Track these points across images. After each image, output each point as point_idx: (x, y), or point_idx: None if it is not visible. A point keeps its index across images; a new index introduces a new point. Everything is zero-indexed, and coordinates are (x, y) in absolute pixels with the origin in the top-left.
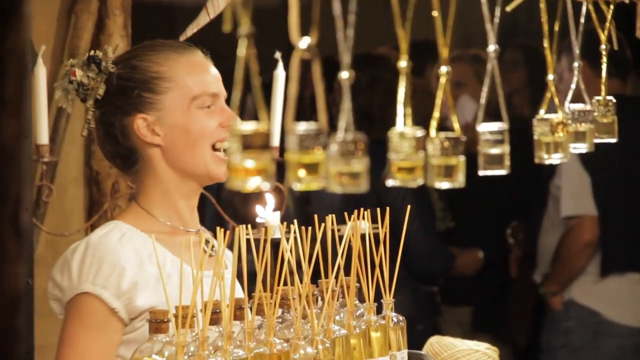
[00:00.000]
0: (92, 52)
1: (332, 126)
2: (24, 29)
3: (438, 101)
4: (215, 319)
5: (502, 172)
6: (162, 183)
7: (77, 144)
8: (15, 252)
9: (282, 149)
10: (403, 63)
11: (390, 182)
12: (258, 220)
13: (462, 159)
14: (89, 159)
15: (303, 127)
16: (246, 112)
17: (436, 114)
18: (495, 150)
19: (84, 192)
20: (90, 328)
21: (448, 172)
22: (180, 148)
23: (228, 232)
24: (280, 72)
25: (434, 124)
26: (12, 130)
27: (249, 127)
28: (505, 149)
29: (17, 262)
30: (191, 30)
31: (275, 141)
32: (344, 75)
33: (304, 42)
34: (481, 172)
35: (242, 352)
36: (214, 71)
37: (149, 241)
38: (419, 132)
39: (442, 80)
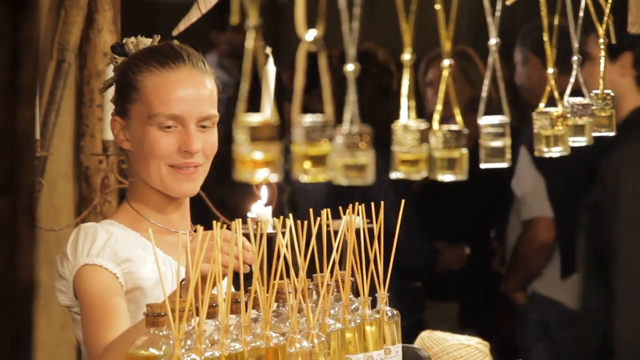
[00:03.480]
0: (124, 40)
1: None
2: (37, 18)
3: (441, 94)
4: (211, 313)
5: (504, 164)
6: (145, 184)
7: (67, 139)
8: (29, 242)
9: None
10: (407, 56)
11: (394, 175)
12: (250, 215)
13: (464, 151)
14: (78, 154)
15: (309, 119)
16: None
17: (439, 106)
18: (496, 143)
19: (74, 187)
20: (101, 291)
21: (451, 164)
22: (139, 159)
23: (225, 226)
24: (270, 68)
25: (436, 116)
26: (26, 120)
27: (256, 118)
28: (507, 141)
29: (31, 252)
30: (183, 25)
31: None
32: (349, 67)
33: (310, 35)
34: (482, 165)
35: (238, 346)
36: (188, 92)
37: (140, 240)
38: (423, 125)
39: (445, 73)
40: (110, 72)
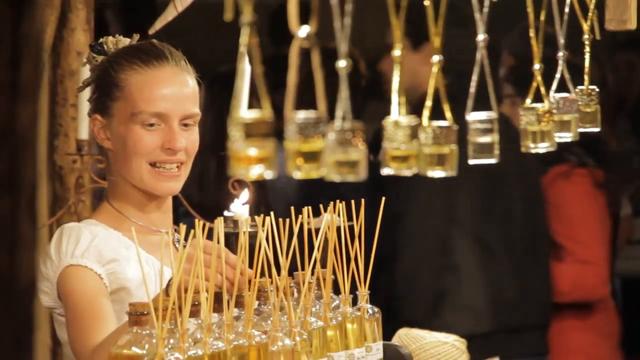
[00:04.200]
0: (104, 39)
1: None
2: (38, 14)
3: (430, 90)
4: (194, 312)
5: (492, 160)
6: (125, 183)
7: (40, 138)
8: (31, 240)
9: None
10: (397, 52)
11: (385, 171)
12: (226, 213)
13: (454, 147)
14: (52, 154)
15: (303, 115)
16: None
17: (428, 102)
18: (484, 139)
19: (48, 187)
20: (86, 292)
21: (440, 160)
22: (120, 157)
23: (207, 225)
24: (245, 66)
25: (426, 113)
26: (27, 116)
27: (251, 115)
28: (495, 137)
29: (33, 251)
30: (160, 23)
31: None
32: (341, 64)
33: (303, 31)
34: (471, 161)
35: (221, 344)
36: (172, 90)
37: (122, 239)
38: (414, 121)
39: (434, 69)
40: (85, 71)
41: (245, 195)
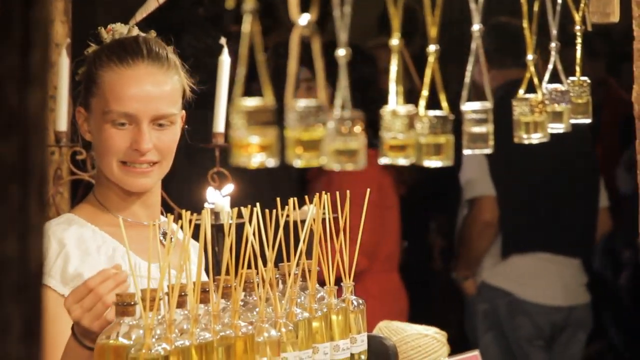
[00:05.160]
0: (99, 29)
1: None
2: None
3: (426, 80)
4: (180, 302)
5: (487, 151)
6: (106, 176)
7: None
8: (40, 226)
9: (226, 134)
10: (395, 41)
11: (382, 160)
12: (207, 205)
13: (450, 137)
14: None
15: (303, 103)
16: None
17: (424, 92)
18: (478, 129)
19: None
20: (47, 317)
21: (437, 150)
22: (97, 152)
23: (194, 216)
24: (225, 58)
25: (422, 102)
26: (37, 101)
27: (252, 102)
28: (489, 128)
29: (41, 237)
30: (140, 15)
31: (220, 127)
32: (341, 52)
33: (303, 19)
34: (465, 152)
35: (208, 335)
36: (143, 90)
37: (99, 234)
38: (412, 110)
39: (431, 59)
40: (64, 63)
41: (229, 187)
